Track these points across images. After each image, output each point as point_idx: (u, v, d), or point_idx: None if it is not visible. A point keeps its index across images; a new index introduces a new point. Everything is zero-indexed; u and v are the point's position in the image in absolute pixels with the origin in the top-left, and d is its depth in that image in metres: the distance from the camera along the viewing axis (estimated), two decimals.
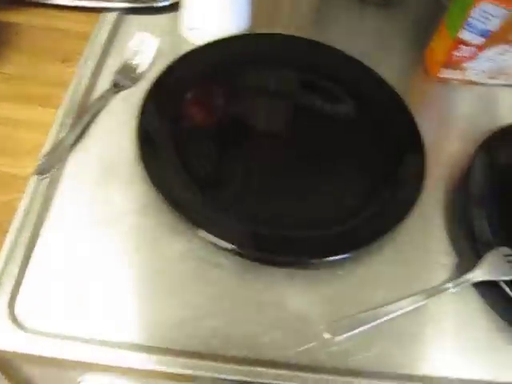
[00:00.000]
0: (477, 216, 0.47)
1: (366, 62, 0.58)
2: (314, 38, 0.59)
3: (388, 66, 0.59)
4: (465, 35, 0.56)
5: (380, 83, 0.57)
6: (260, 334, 0.40)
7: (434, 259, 0.47)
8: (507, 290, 0.43)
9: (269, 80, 0.58)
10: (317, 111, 0.56)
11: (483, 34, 0.56)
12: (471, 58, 0.59)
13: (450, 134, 0.58)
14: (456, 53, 0.59)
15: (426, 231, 0.48)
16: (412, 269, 0.46)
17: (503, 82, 0.63)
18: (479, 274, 0.44)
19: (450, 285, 0.44)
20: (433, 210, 0.50)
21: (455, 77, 0.62)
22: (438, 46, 0.61)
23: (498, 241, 0.46)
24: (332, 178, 0.50)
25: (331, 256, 0.43)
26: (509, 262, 0.44)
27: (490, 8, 0.53)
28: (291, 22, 0.67)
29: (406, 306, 0.42)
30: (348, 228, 0.46)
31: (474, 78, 0.62)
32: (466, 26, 0.56)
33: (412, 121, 0.54)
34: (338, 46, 0.59)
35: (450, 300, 0.44)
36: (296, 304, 0.42)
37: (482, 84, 0.62)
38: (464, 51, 0.58)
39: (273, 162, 0.51)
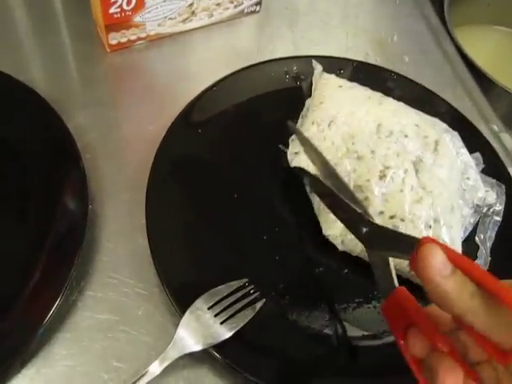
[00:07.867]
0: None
1: None
2: None
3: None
4: None
5: None
6: None
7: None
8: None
9: None
10: None
11: None
12: (139, 8, 0.42)
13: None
14: (114, 9, 0.41)
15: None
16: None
17: (205, 21, 0.47)
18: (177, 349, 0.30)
19: (155, 365, 0.29)
20: None
21: (134, 37, 0.44)
22: (95, 6, 0.43)
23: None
24: None
25: None
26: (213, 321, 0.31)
27: None
28: None
29: None
30: None
31: (162, 30, 0.45)
32: None
33: None
34: None
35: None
36: None
37: (178, 34, 0.46)
38: (122, 3, 0.41)
39: None
